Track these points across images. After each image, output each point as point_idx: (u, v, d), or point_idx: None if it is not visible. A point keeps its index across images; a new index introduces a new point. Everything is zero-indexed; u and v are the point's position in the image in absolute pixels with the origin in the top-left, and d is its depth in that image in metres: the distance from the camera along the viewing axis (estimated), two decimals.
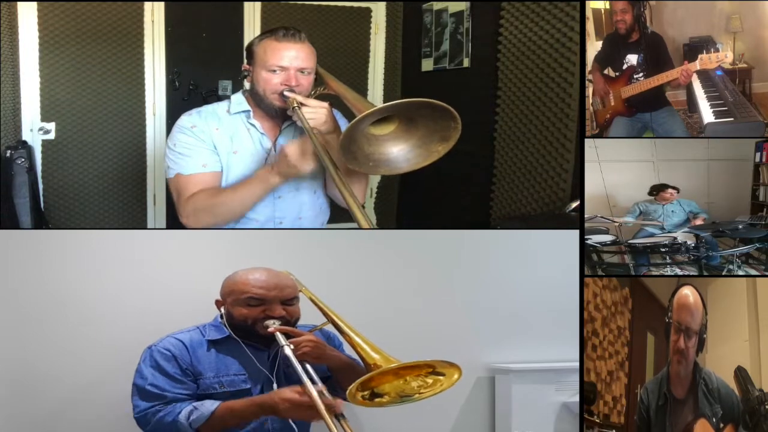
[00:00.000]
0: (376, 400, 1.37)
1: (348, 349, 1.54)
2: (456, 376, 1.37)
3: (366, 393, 1.35)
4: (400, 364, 1.34)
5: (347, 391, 1.30)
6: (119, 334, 1.82)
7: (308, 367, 1.41)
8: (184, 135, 1.78)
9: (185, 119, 1.82)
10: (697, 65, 2.15)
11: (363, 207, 1.48)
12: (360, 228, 1.37)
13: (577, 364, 1.89)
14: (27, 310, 1.84)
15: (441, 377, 1.38)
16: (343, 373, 1.51)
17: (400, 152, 1.53)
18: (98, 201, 4.01)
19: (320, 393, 1.30)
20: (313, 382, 1.34)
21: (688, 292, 1.65)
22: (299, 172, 1.64)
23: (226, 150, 1.80)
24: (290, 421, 1.48)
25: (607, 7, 2.41)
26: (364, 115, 1.38)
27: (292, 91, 1.72)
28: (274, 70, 1.74)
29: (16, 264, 1.85)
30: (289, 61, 1.73)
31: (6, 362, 1.81)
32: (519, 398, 2.09)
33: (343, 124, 1.81)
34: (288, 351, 1.42)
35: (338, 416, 1.28)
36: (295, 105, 1.67)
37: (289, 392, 1.34)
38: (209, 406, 1.40)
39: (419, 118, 1.48)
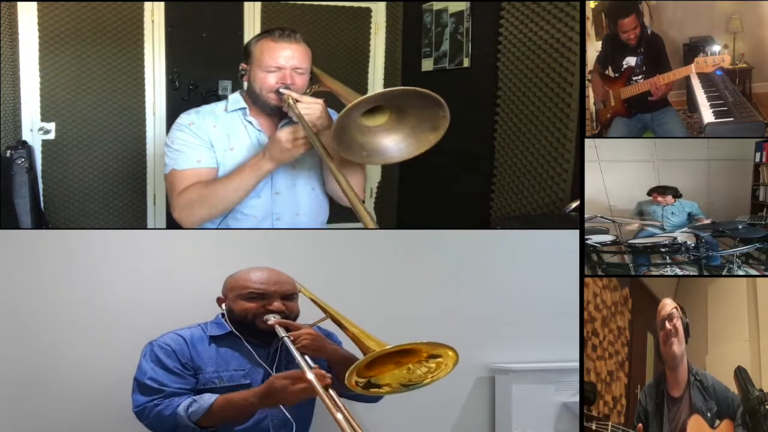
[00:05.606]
0: (373, 389, 1.37)
1: (349, 348, 1.54)
2: (451, 353, 1.37)
3: (362, 380, 1.35)
4: (392, 347, 1.33)
5: (346, 374, 1.31)
6: (119, 334, 1.82)
7: (307, 358, 1.42)
8: (181, 132, 1.80)
9: (184, 117, 1.84)
10: (692, 69, 2.14)
11: (363, 202, 1.49)
12: (365, 228, 1.38)
13: (577, 364, 1.89)
14: (27, 310, 1.84)
15: (439, 359, 1.38)
16: (342, 367, 1.50)
17: (393, 142, 1.57)
18: (98, 201, 4.01)
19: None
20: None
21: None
22: (292, 156, 1.65)
23: (223, 147, 1.81)
24: (288, 416, 1.49)
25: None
26: (353, 105, 1.41)
27: (287, 88, 1.74)
28: (271, 70, 1.76)
29: (16, 264, 1.85)
30: (284, 60, 1.75)
31: (6, 362, 1.81)
32: (519, 398, 2.09)
33: None
34: (287, 341, 1.44)
35: (328, 388, 1.28)
36: (290, 101, 1.69)
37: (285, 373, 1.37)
38: (208, 399, 1.40)
39: (409, 109, 1.51)
